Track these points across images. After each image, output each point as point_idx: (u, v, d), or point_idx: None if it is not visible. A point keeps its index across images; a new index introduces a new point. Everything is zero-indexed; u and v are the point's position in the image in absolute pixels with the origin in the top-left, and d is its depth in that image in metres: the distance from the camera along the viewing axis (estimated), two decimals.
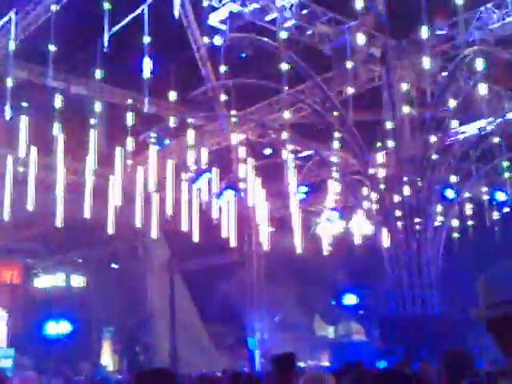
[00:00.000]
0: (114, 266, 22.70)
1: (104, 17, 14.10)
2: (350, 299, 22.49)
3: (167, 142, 18.01)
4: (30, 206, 16.81)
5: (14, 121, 16.21)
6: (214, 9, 14.94)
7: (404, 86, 15.68)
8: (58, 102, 15.68)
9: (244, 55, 15.30)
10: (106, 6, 13.71)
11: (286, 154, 16.75)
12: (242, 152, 17.89)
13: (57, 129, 15.92)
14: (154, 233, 18.82)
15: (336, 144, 16.39)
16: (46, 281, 24.95)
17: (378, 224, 16.14)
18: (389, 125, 15.38)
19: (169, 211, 17.99)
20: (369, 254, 17.27)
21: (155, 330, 22.19)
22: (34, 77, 16.59)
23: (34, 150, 16.60)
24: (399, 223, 15.36)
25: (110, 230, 18.22)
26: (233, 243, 19.31)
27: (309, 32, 15.32)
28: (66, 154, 16.53)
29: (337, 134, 16.00)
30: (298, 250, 18.46)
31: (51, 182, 16.92)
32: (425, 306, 14.91)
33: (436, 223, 15.51)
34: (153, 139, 17.54)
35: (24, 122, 16.07)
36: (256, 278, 21.22)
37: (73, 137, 16.39)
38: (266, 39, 14.88)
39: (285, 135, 16.60)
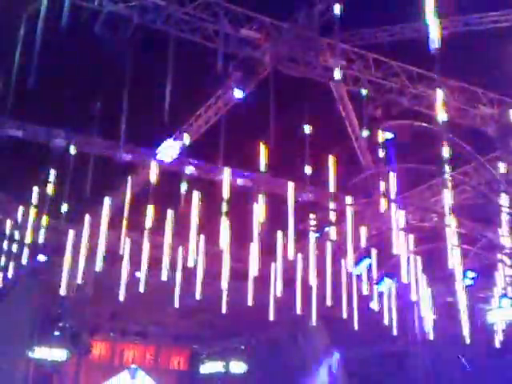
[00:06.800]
0: (273, 352, 22.79)
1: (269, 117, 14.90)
2: None
3: (327, 229, 18.24)
4: (197, 295, 17.64)
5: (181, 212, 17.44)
6: (370, 98, 15.41)
7: None
8: (225, 193, 16.71)
9: (402, 141, 15.39)
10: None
11: (450, 238, 16.14)
12: (402, 236, 17.55)
13: (223, 219, 16.83)
14: (314, 320, 18.79)
15: (505, 226, 15.55)
16: (210, 367, 25.52)
17: None
18: None
19: (328, 298, 17.97)
20: None
21: None
22: (203, 173, 17.92)
23: (202, 239, 17.66)
24: None
25: (271, 317, 18.55)
26: (395, 331, 18.64)
27: (470, 114, 15.17)
28: (230, 242, 17.32)
29: (505, 216, 15.23)
30: (467, 340, 17.29)
31: (217, 269, 17.74)
32: None
33: None
34: (312, 227, 17.86)
35: (195, 213, 17.15)
36: (422, 369, 20.06)
37: (237, 226, 17.22)
38: (424, 124, 14.89)
39: (448, 218, 16.07)
